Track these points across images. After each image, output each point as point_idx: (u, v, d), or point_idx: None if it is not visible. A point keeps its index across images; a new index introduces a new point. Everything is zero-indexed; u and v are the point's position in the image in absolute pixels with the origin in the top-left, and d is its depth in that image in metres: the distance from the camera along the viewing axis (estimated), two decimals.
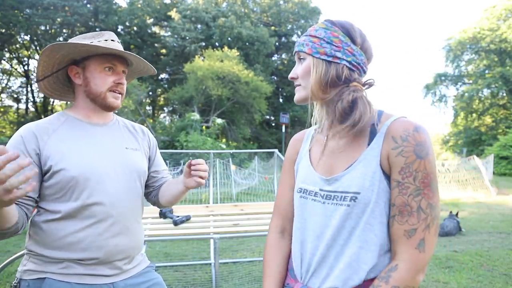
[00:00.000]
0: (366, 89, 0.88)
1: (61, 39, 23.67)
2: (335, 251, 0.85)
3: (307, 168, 0.95)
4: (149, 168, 1.34)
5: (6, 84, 26.29)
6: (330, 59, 0.86)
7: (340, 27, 0.89)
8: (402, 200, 0.79)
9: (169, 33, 27.38)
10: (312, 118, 0.98)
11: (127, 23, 26.71)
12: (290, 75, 0.96)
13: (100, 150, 1.16)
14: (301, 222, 0.94)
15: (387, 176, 0.82)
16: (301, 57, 0.93)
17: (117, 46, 1.18)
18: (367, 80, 0.90)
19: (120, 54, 1.17)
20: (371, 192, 0.81)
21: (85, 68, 1.17)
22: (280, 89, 30.55)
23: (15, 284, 1.10)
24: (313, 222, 0.90)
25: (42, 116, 21.04)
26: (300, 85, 0.93)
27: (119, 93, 1.20)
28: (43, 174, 1.09)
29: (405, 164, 0.78)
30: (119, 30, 26.11)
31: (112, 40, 1.19)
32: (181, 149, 15.68)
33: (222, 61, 21.26)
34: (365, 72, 0.91)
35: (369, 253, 0.81)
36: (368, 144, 0.84)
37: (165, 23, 26.94)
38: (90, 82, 1.17)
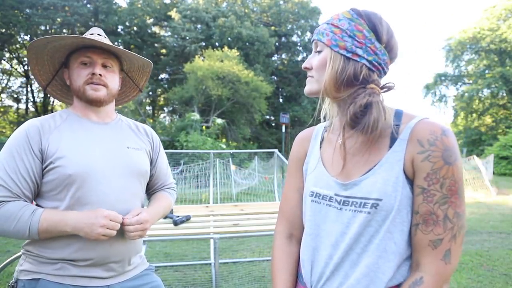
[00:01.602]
0: (384, 92, 0.81)
1: None
2: (351, 260, 0.80)
3: (320, 170, 0.88)
4: (150, 170, 1.32)
5: (6, 84, 26.28)
6: (349, 55, 0.79)
7: (367, 20, 0.81)
8: (427, 208, 0.73)
9: (169, 33, 27.36)
10: (322, 112, 0.90)
11: (127, 23, 26.69)
12: (304, 65, 0.88)
13: (99, 148, 1.14)
14: (313, 228, 0.88)
15: (410, 181, 0.76)
16: (319, 47, 0.85)
17: (98, 39, 1.15)
18: (386, 83, 0.82)
19: (84, 43, 1.13)
20: (394, 198, 0.75)
21: (69, 67, 1.18)
22: (280, 89, 30.49)
23: (12, 284, 1.10)
24: (327, 229, 0.84)
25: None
26: (313, 77, 0.86)
27: (98, 84, 1.16)
28: (43, 170, 1.08)
29: (432, 170, 0.73)
30: (119, 30, 26.12)
31: (91, 34, 1.18)
32: (181, 149, 15.66)
33: (222, 61, 21.24)
34: (385, 73, 0.84)
35: (388, 263, 0.77)
36: (390, 147, 0.78)
37: (165, 23, 26.94)
38: (71, 79, 1.17)
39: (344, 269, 0.81)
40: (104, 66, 1.17)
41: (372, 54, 0.80)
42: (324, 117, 0.91)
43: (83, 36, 1.16)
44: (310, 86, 0.87)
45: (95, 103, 1.18)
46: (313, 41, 0.88)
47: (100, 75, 1.15)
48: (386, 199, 0.75)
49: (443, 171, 0.73)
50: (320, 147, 0.93)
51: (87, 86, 1.15)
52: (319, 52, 0.85)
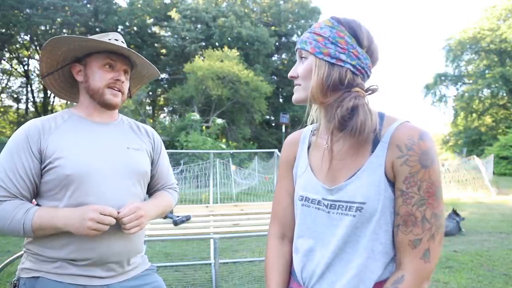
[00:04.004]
0: (368, 95, 0.84)
1: None
2: (343, 260, 0.84)
3: (308, 175, 0.92)
4: (151, 171, 1.32)
5: (6, 84, 26.28)
6: (333, 61, 0.82)
7: (347, 27, 0.84)
8: (406, 210, 0.77)
9: (169, 33, 27.32)
10: (309, 118, 0.94)
11: (127, 23, 26.67)
12: (290, 74, 0.91)
13: (99, 149, 1.15)
14: (304, 230, 0.92)
15: (392, 184, 0.80)
16: (303, 56, 0.87)
17: (120, 45, 1.18)
18: (370, 86, 0.85)
19: (119, 51, 1.17)
20: (377, 201, 0.79)
21: (86, 65, 1.19)
22: (280, 89, 30.49)
23: (15, 282, 1.11)
24: (317, 230, 0.88)
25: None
26: (300, 85, 0.89)
27: (118, 91, 1.20)
28: (42, 170, 1.09)
29: (410, 173, 0.76)
30: (119, 30, 26.06)
31: (116, 40, 1.19)
32: (181, 149, 15.64)
33: (222, 61, 21.21)
34: (368, 76, 0.87)
35: (375, 262, 0.81)
36: (372, 151, 0.81)
37: (165, 23, 26.86)
38: (90, 78, 1.18)
39: (335, 269, 0.84)
40: (123, 71, 1.22)
41: (355, 59, 0.83)
42: (312, 123, 0.95)
43: (109, 39, 1.18)
44: (298, 95, 0.90)
45: (108, 107, 1.21)
46: (296, 50, 0.91)
47: (122, 82, 1.20)
48: (370, 202, 0.79)
49: (420, 175, 0.76)
50: (308, 151, 0.97)
51: (107, 90, 1.18)
52: (304, 60, 0.87)
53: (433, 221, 0.76)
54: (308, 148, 0.97)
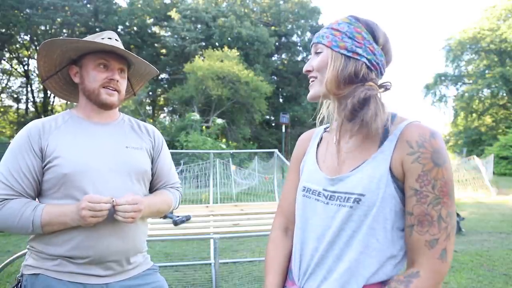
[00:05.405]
0: (382, 91, 0.85)
1: None
2: (334, 254, 0.82)
3: (313, 167, 0.93)
4: (151, 169, 1.32)
5: (6, 84, 26.28)
6: (349, 54, 0.83)
7: (365, 24, 0.86)
8: (422, 209, 0.75)
9: (169, 33, 27.32)
10: (319, 115, 0.95)
11: (127, 23, 26.66)
12: (305, 68, 0.92)
13: (96, 148, 1.16)
14: (303, 221, 0.91)
15: (396, 181, 0.78)
16: (319, 50, 0.89)
17: (115, 44, 1.17)
18: (383, 83, 0.86)
19: (112, 50, 1.16)
20: (376, 195, 0.78)
21: (82, 66, 1.19)
22: (280, 89, 30.45)
23: (19, 278, 1.13)
24: (314, 223, 0.87)
25: (42, 116, 21.11)
26: (316, 78, 0.89)
27: (114, 90, 1.19)
28: (43, 168, 1.11)
29: (423, 171, 0.75)
30: (119, 30, 26.07)
31: (109, 38, 1.19)
32: (181, 149, 15.63)
33: (222, 61, 21.21)
34: (382, 74, 0.89)
35: (369, 259, 0.79)
36: (379, 146, 0.81)
37: (165, 23, 26.85)
38: (85, 79, 1.18)
39: (328, 263, 0.83)
40: (119, 70, 1.21)
41: (371, 54, 0.84)
42: (321, 122, 0.95)
43: (102, 39, 1.17)
44: (314, 90, 0.90)
45: (105, 107, 1.21)
46: (312, 45, 0.92)
47: (117, 81, 1.19)
48: (369, 195, 0.78)
49: (433, 173, 0.75)
50: (318, 146, 0.98)
51: (102, 90, 1.18)
52: (319, 54, 0.89)
53: (448, 220, 0.75)
54: (319, 143, 0.99)
